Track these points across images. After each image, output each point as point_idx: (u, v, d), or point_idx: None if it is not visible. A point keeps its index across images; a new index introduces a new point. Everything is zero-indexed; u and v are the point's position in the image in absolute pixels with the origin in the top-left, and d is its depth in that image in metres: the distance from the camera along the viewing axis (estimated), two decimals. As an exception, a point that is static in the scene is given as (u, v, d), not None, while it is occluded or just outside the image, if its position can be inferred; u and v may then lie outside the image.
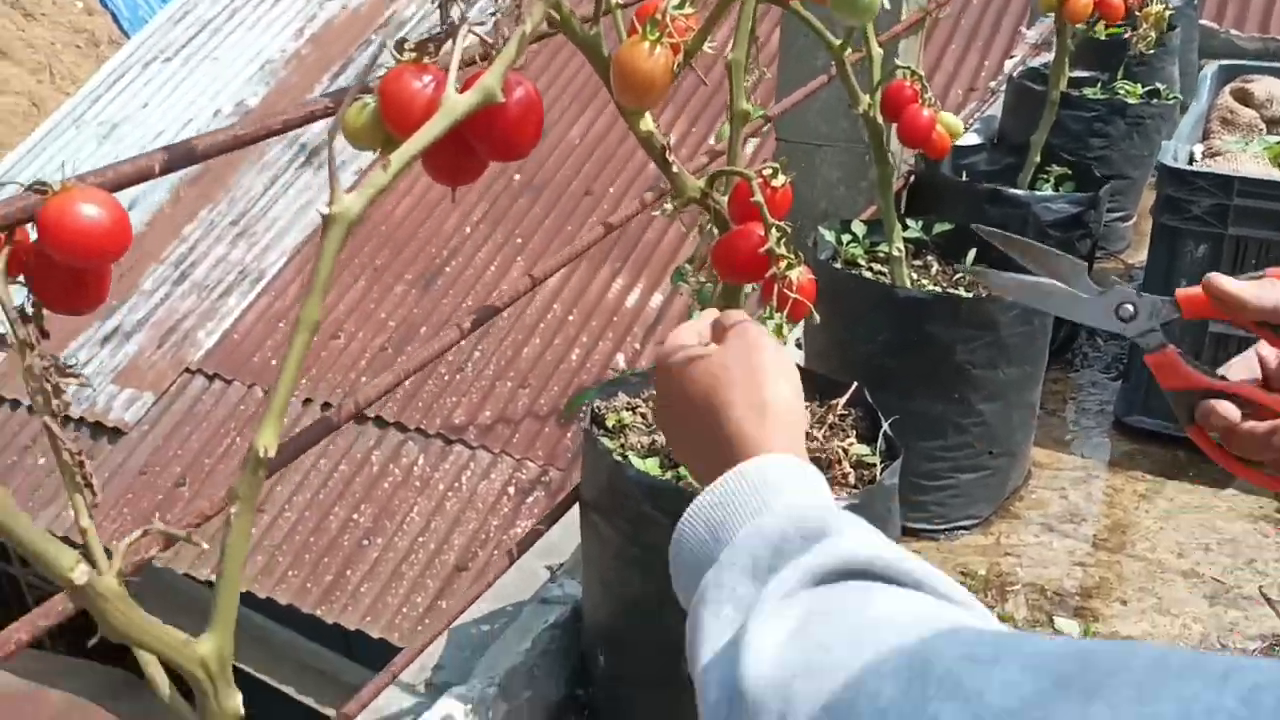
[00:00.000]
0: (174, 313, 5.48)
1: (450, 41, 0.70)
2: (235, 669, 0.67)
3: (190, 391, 5.12)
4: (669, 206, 1.14)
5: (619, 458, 1.26)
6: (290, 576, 4.40)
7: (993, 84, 3.71)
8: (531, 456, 4.56)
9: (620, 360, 4.77)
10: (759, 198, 1.04)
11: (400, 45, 0.73)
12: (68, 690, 3.17)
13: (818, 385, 1.42)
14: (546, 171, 5.40)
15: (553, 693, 1.41)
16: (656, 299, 4.86)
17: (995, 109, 3.02)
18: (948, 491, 1.75)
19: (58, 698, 2.95)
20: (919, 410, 1.65)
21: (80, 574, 0.56)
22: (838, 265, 1.81)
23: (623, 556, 1.24)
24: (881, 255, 1.82)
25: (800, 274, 1.06)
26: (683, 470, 1.24)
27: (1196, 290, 0.81)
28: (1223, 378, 0.80)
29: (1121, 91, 2.72)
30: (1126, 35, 2.19)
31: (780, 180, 1.08)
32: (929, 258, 1.88)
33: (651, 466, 1.24)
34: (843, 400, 1.36)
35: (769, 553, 0.57)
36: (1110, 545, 1.75)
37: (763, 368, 0.71)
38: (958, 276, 1.81)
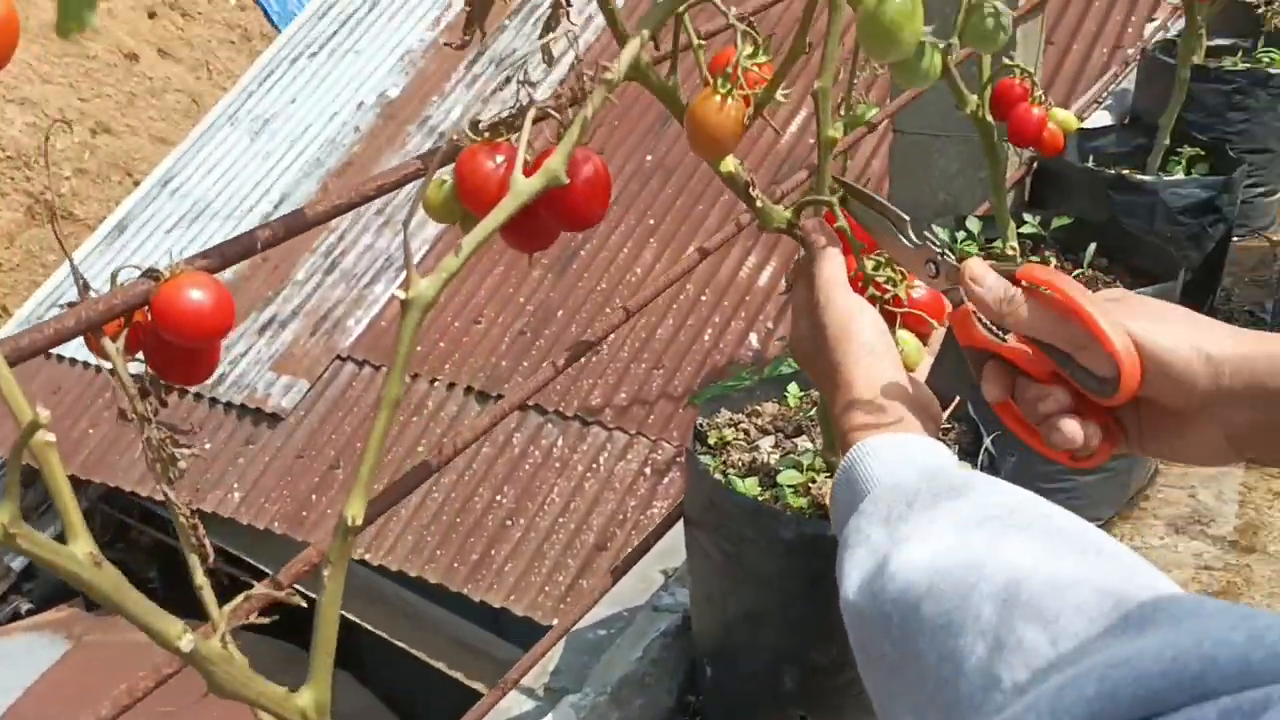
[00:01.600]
0: (325, 301, 5.72)
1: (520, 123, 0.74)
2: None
3: (341, 378, 5.35)
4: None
5: (719, 476, 1.29)
6: (439, 555, 4.58)
7: (1130, 51, 3.55)
8: (666, 437, 4.62)
9: (753, 339, 4.78)
10: (843, 223, 1.05)
11: (474, 126, 0.77)
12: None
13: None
14: (675, 154, 5.43)
15: (665, 700, 1.46)
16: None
17: (1129, 82, 2.91)
18: (1067, 494, 1.72)
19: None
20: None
21: (186, 643, 0.63)
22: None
23: (724, 573, 1.27)
24: (996, 253, 1.80)
25: (912, 289, 1.04)
26: (779, 490, 1.26)
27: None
28: (1011, 341, 0.80)
29: (1264, 61, 2.59)
30: (1260, 9, 2.09)
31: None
32: (1047, 253, 1.85)
33: (751, 487, 1.27)
34: (946, 414, 1.36)
35: (903, 504, 0.68)
36: (1241, 547, 1.70)
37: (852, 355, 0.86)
38: (1077, 273, 1.77)
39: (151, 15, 9.69)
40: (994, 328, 0.81)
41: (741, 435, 1.39)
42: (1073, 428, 0.75)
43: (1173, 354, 0.71)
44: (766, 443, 1.38)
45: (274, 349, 5.64)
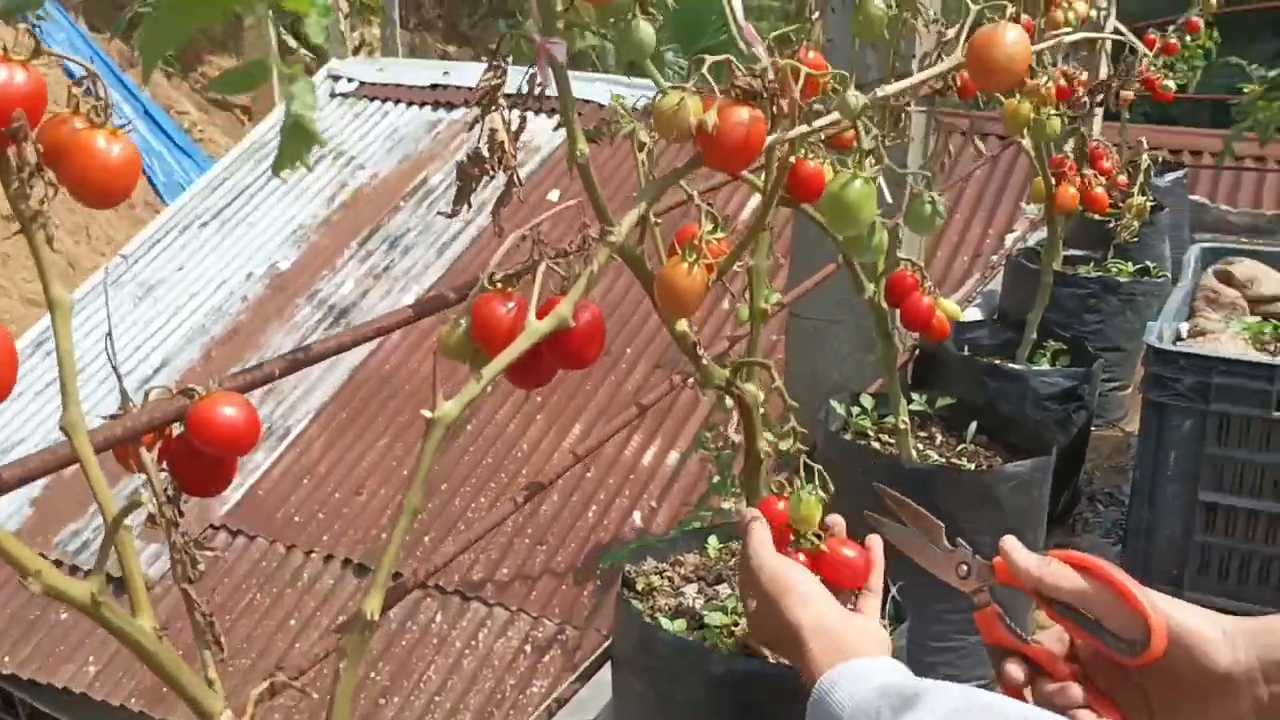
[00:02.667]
0: (201, 468, 5.62)
1: (531, 276, 0.86)
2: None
3: (214, 546, 5.22)
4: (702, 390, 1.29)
5: (649, 619, 1.38)
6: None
7: (994, 258, 3.92)
8: (548, 614, 4.61)
9: (637, 518, 4.87)
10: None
11: (491, 278, 0.88)
12: None
13: (832, 552, 1.54)
14: (566, 334, 5.59)
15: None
16: (673, 457, 4.99)
17: (996, 284, 3.21)
18: (957, 653, 1.84)
19: None
20: (927, 576, 1.75)
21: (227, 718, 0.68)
22: (847, 436, 1.95)
23: (656, 711, 1.34)
24: (889, 427, 1.96)
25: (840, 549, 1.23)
26: (707, 632, 1.35)
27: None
28: (1034, 642, 0.92)
29: (1113, 270, 2.91)
30: (1111, 226, 2.38)
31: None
32: (934, 430, 2.02)
33: (679, 628, 1.36)
34: (856, 566, 1.47)
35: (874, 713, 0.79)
36: (1114, 706, 1.84)
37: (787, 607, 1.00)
38: (960, 448, 1.94)
39: (34, 178, 9.65)
40: (1016, 630, 0.93)
41: (667, 583, 1.48)
42: (1089, 718, 0.85)
43: (1199, 629, 0.81)
44: (691, 589, 1.48)
45: (142, 514, 5.48)
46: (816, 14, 1.26)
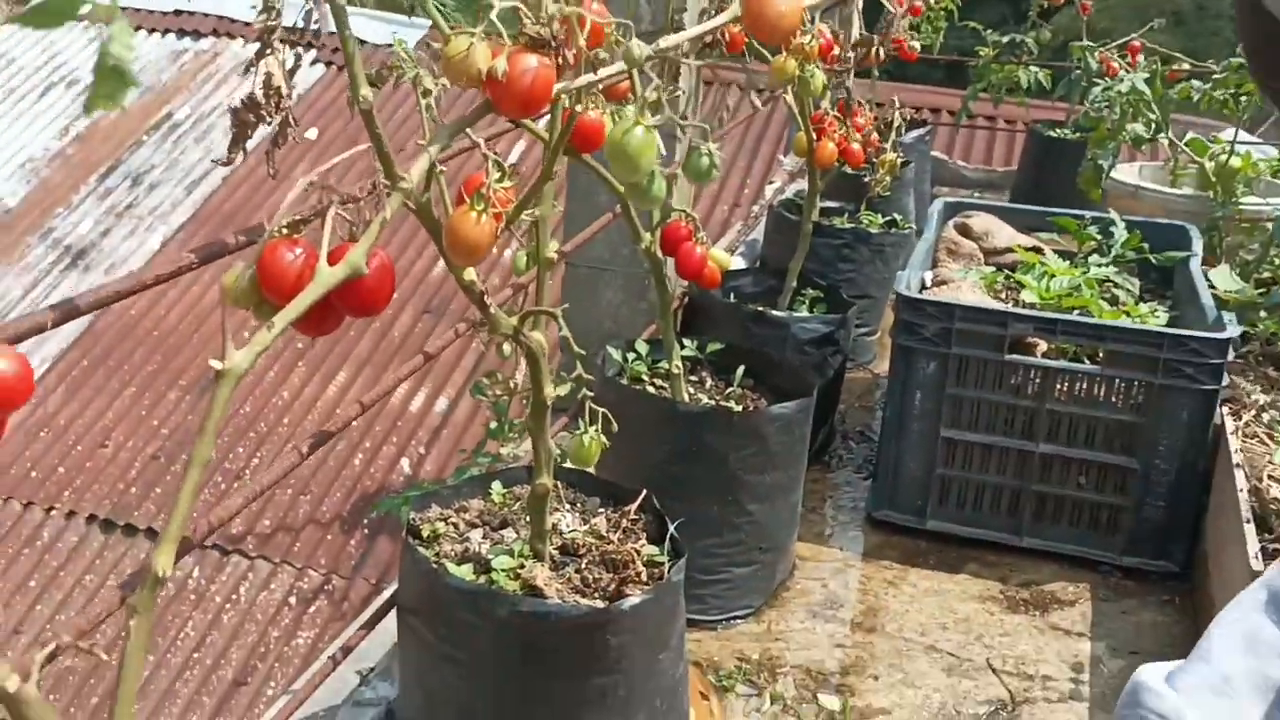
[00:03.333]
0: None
1: (320, 223, 0.85)
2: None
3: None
4: (484, 337, 1.30)
5: (435, 565, 1.38)
6: (54, 699, 4.18)
7: (755, 208, 4.06)
8: (313, 565, 4.52)
9: (405, 465, 4.82)
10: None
11: (278, 224, 0.86)
12: None
13: (611, 492, 1.59)
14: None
15: (370, 790, 1.49)
16: (441, 403, 4.96)
17: (758, 233, 3.34)
18: (724, 585, 1.94)
19: None
20: (699, 512, 1.84)
21: (12, 683, 0.66)
22: (624, 382, 2.00)
23: (443, 658, 1.36)
24: (663, 372, 2.02)
25: None
26: (494, 575, 1.37)
27: None
28: None
29: (865, 222, 3.08)
30: (865, 180, 2.52)
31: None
32: (704, 374, 2.10)
33: (465, 573, 1.37)
34: (634, 506, 1.53)
35: None
36: (865, 628, 1.98)
37: None
38: (729, 391, 2.03)
39: None
40: None
41: (452, 529, 1.49)
42: None
43: None
44: (476, 534, 1.49)
45: None
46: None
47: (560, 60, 0.96)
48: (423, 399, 4.99)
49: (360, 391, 5.02)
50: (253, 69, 1.08)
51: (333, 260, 0.84)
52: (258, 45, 1.06)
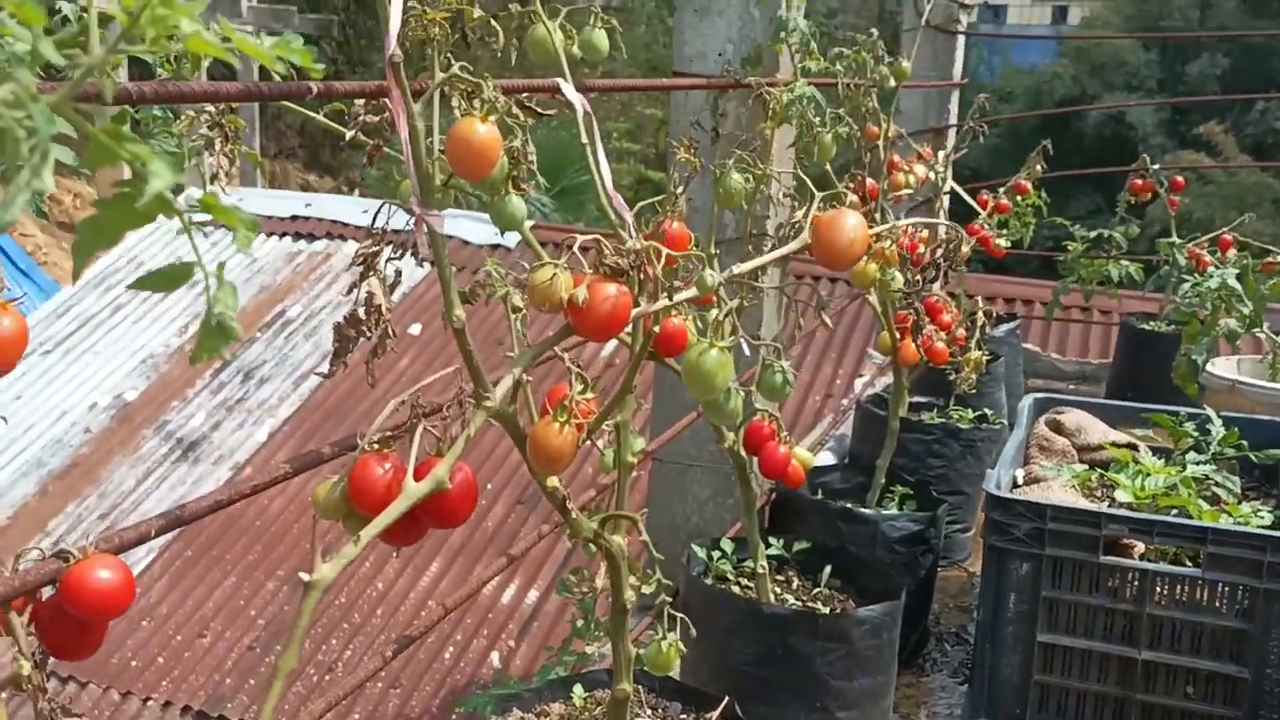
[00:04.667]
0: None
1: (409, 438, 0.89)
2: None
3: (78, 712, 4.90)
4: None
5: (515, 772, 1.38)
6: None
7: (844, 402, 4.09)
8: (401, 761, 4.46)
9: (495, 659, 4.79)
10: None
11: (362, 436, 0.91)
12: None
13: (692, 698, 1.57)
14: (426, 470, 5.54)
15: None
16: (532, 595, 4.95)
17: (847, 428, 3.34)
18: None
19: None
20: (785, 719, 1.80)
21: None
22: (708, 581, 2.00)
23: None
24: (748, 571, 2.01)
25: None
26: (575, 784, 1.36)
27: None
28: None
29: (954, 417, 3.07)
30: (951, 378, 2.54)
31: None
32: (790, 573, 2.08)
33: (546, 781, 1.36)
34: (715, 714, 1.51)
35: None
36: None
37: None
38: (816, 592, 2.01)
39: None
40: None
41: (532, 735, 1.49)
42: None
43: None
44: (556, 741, 1.48)
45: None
46: (681, 188, 1.35)
47: (640, 282, 1.02)
48: (514, 591, 4.99)
49: (452, 583, 5.05)
50: (356, 288, 1.16)
51: (419, 475, 0.89)
52: (361, 268, 1.14)
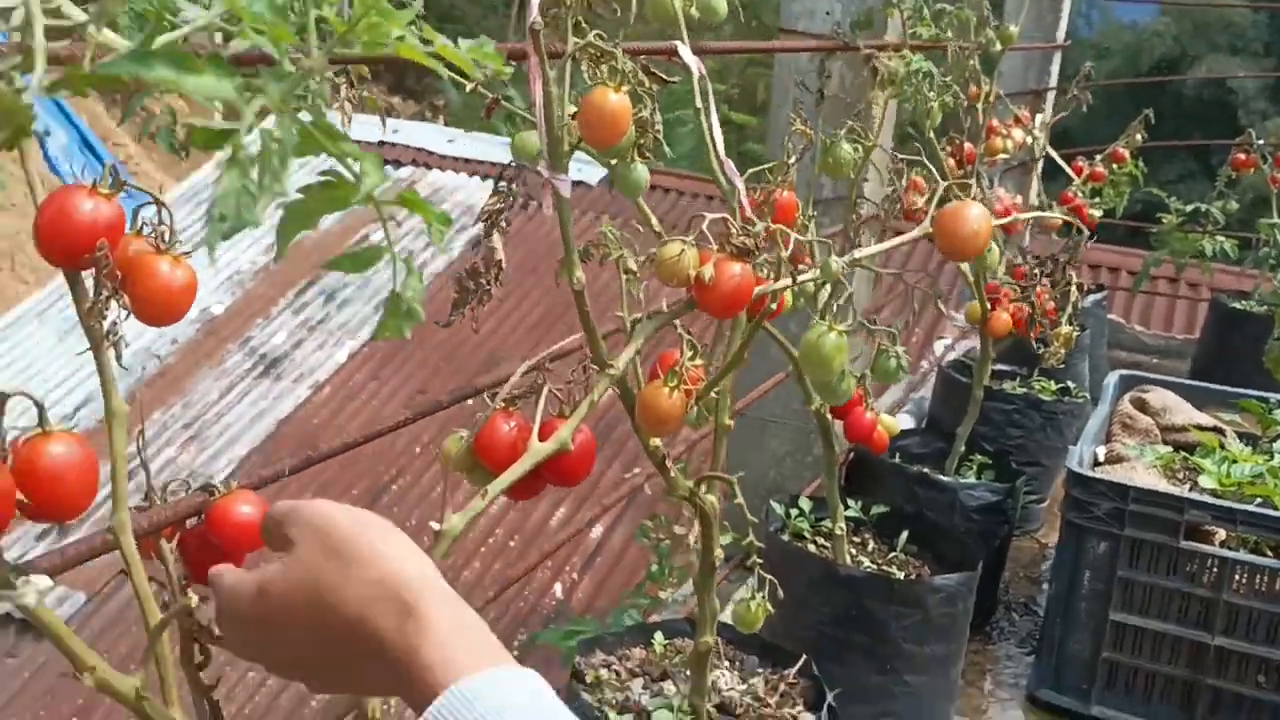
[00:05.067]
0: (116, 511, 5.52)
1: (535, 399, 0.93)
2: None
3: (124, 594, 5.11)
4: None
5: (598, 713, 1.43)
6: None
7: (924, 364, 4.08)
8: (462, 682, 4.60)
9: (558, 590, 4.90)
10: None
11: (493, 396, 0.95)
12: None
13: (770, 653, 1.62)
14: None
15: None
16: (597, 530, 5.03)
17: (926, 390, 3.34)
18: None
19: None
20: (855, 679, 1.84)
21: None
22: (785, 538, 2.04)
23: (597, 804, 1.40)
24: (825, 530, 2.05)
25: None
26: (656, 728, 1.41)
27: None
28: None
29: (1037, 388, 3.06)
30: (1039, 351, 2.52)
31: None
32: (867, 536, 2.11)
33: (627, 723, 1.42)
34: (793, 670, 1.55)
35: None
36: None
37: (361, 551, 0.65)
38: (891, 556, 2.04)
39: (-40, 202, 9.48)
40: None
41: (614, 676, 1.54)
42: None
43: None
44: (637, 684, 1.54)
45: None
46: (794, 158, 1.36)
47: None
48: (573, 526, 5.07)
49: (521, 512, 5.15)
50: (480, 244, 1.20)
51: (543, 435, 0.93)
52: (489, 224, 1.18)
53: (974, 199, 1.10)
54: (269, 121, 0.45)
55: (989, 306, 2.37)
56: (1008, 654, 2.43)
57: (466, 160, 7.63)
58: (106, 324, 0.73)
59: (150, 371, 6.37)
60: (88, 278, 0.73)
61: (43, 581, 0.69)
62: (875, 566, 1.99)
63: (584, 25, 1.13)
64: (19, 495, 0.67)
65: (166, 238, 0.78)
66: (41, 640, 4.99)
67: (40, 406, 0.71)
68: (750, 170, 1.38)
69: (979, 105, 2.63)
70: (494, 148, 7.38)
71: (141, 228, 0.78)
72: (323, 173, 0.52)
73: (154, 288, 0.74)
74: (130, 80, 0.43)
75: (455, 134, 8.22)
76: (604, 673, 1.54)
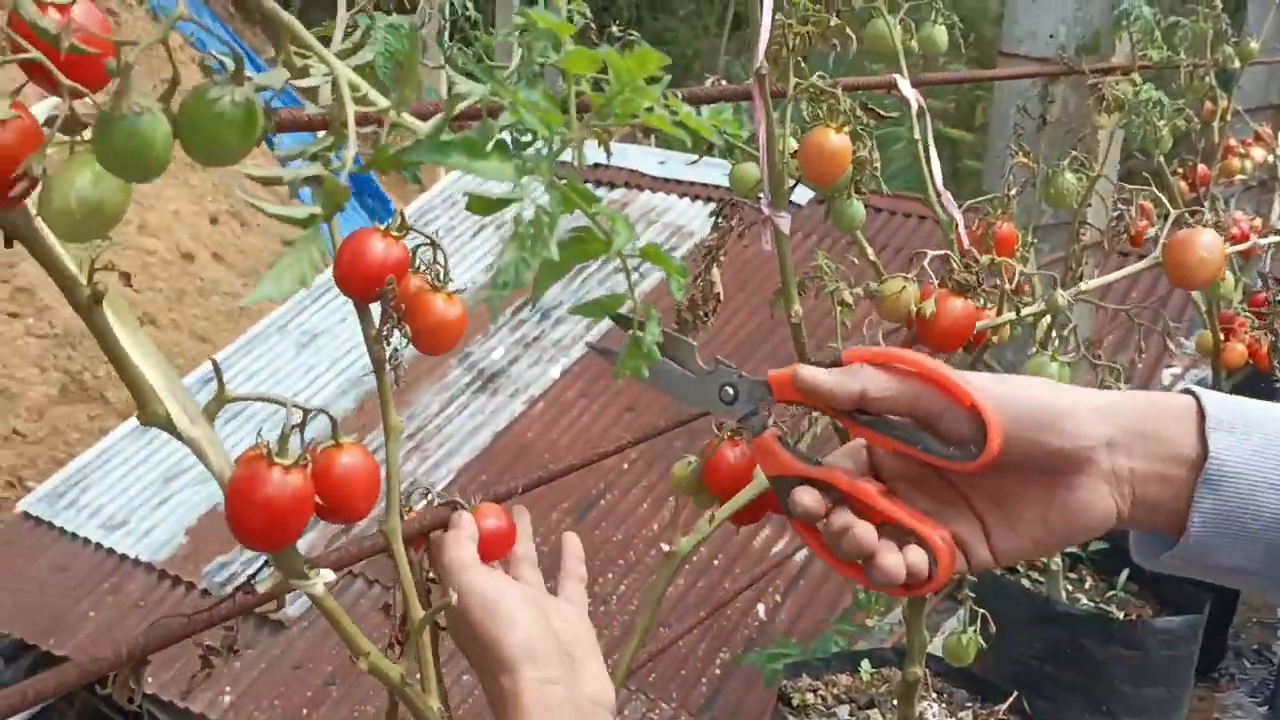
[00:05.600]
0: (345, 515, 5.87)
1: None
2: None
3: (352, 592, 5.43)
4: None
5: (806, 735, 1.46)
6: None
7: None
8: (664, 697, 4.67)
9: (760, 610, 4.91)
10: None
11: (720, 425, 1.00)
12: None
13: (979, 687, 1.60)
14: (702, 424, 5.70)
15: None
16: (802, 553, 5.02)
17: (1149, 422, 3.20)
18: None
19: None
20: (1068, 718, 1.80)
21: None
22: (998, 570, 2.00)
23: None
24: (1040, 564, 2.00)
25: None
26: (864, 754, 1.43)
27: (788, 372, 0.77)
28: (826, 463, 0.76)
29: (1273, 422, 2.89)
30: (1277, 384, 2.39)
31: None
32: (1084, 571, 2.05)
33: (835, 746, 1.44)
34: (1004, 707, 1.54)
35: None
36: None
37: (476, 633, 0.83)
38: (1110, 595, 1.98)
39: (213, 221, 10.26)
40: (803, 453, 0.78)
41: (820, 701, 1.57)
42: (892, 561, 0.71)
43: (1056, 402, 0.70)
44: (843, 710, 1.55)
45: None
46: (1015, 190, 1.36)
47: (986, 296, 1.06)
48: (782, 546, 5.07)
49: (723, 533, 5.19)
50: (699, 279, 1.26)
51: (762, 464, 0.97)
52: (708, 259, 1.23)
53: (1206, 225, 1.08)
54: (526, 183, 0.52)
55: (1222, 337, 2.27)
56: (1238, 703, 2.31)
57: (678, 182, 7.76)
58: (389, 350, 0.82)
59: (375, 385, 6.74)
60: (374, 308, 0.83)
61: (328, 574, 0.77)
62: (1093, 605, 1.94)
63: (804, 67, 1.17)
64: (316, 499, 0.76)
65: (441, 276, 0.86)
66: (277, 634, 5.37)
67: (334, 421, 0.79)
68: (968, 202, 1.39)
69: (1214, 124, 2.52)
70: (705, 169, 7.49)
71: (419, 266, 0.87)
72: (574, 229, 0.57)
73: (432, 321, 0.83)
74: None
75: (666, 155, 8.37)
76: (810, 697, 1.56)
